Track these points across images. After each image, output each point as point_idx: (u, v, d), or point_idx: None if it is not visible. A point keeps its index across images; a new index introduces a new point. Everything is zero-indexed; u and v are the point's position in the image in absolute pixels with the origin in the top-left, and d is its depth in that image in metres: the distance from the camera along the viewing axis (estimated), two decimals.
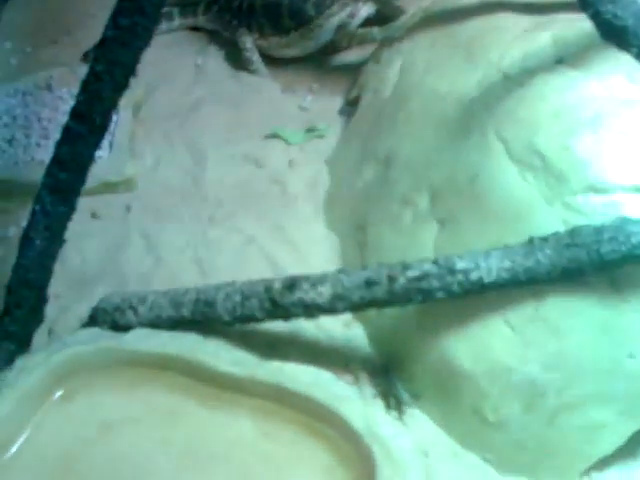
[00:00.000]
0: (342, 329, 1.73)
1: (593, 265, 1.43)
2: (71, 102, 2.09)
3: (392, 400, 1.62)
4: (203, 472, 1.50)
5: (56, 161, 1.54)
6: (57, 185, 1.54)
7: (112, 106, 1.53)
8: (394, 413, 1.61)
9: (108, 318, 1.67)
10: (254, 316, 1.58)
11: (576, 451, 1.53)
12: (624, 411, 1.49)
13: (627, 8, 1.31)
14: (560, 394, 1.49)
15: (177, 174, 2.08)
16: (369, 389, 1.64)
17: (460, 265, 1.46)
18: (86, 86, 1.51)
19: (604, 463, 1.55)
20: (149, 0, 1.43)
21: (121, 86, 1.51)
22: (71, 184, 1.56)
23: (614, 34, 1.33)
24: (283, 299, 1.55)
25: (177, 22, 2.48)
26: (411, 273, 1.49)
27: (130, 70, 1.50)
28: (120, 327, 1.65)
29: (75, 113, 1.52)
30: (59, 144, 1.54)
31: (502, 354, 1.52)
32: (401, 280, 1.49)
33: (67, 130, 1.53)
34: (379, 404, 1.60)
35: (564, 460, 1.54)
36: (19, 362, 1.57)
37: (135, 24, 1.45)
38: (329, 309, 1.54)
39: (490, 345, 1.53)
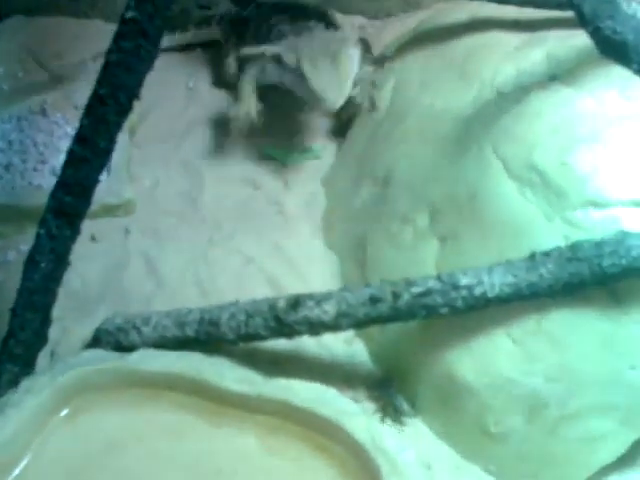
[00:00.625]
0: (344, 346, 1.75)
1: (595, 279, 1.45)
2: (66, 127, 2.15)
3: (391, 411, 1.64)
4: None
5: (61, 185, 1.54)
6: (62, 208, 1.55)
7: (116, 130, 1.53)
8: (393, 424, 1.62)
9: (112, 339, 1.68)
10: (259, 334, 1.60)
11: (578, 460, 1.55)
12: (625, 421, 1.52)
13: (626, 23, 1.33)
14: (562, 405, 1.52)
15: (175, 196, 2.09)
16: (371, 404, 1.66)
17: (464, 281, 1.49)
18: (90, 110, 1.51)
19: (604, 470, 1.57)
20: (151, 22, 1.44)
21: (125, 109, 1.52)
22: (76, 207, 1.57)
23: (614, 50, 1.35)
24: (288, 317, 1.57)
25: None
26: (415, 289, 1.51)
27: (134, 93, 1.51)
28: (124, 348, 1.66)
29: (79, 137, 1.53)
30: (64, 168, 1.54)
31: (505, 367, 1.54)
32: (405, 296, 1.51)
33: (71, 154, 1.54)
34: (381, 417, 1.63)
35: (566, 469, 1.56)
36: (24, 383, 1.57)
37: (138, 47, 1.46)
38: (334, 326, 1.56)
39: (493, 358, 1.55)
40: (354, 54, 2.03)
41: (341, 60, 1.93)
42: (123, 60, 1.47)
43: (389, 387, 1.69)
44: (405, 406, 1.65)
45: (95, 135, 1.51)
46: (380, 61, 2.14)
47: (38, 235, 1.57)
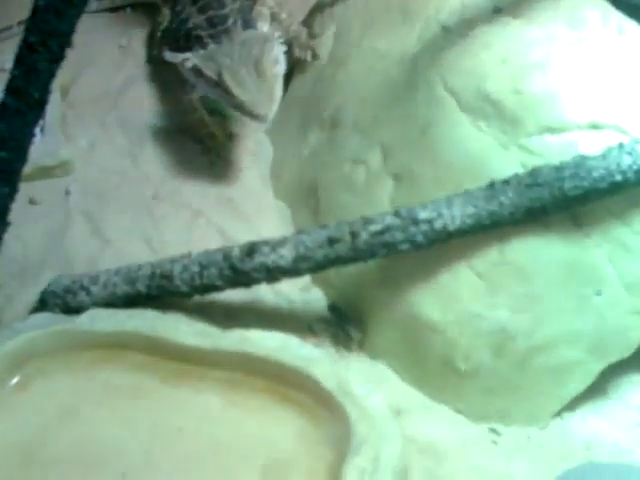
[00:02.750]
0: (301, 293, 1.71)
1: (556, 203, 1.43)
2: None
3: (341, 336, 1.61)
4: (172, 448, 1.45)
5: None
6: None
7: (49, 79, 1.45)
8: (342, 350, 1.61)
9: (59, 301, 1.62)
10: (214, 285, 1.55)
11: (548, 393, 1.54)
12: (593, 349, 1.51)
13: None
14: (530, 337, 1.50)
15: (114, 154, 2.02)
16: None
17: (423, 215, 1.46)
18: (20, 59, 1.43)
19: (575, 402, 1.56)
20: None
21: (58, 57, 1.43)
22: (12, 163, 1.48)
23: None
24: (244, 265, 1.52)
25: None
26: (373, 227, 1.47)
27: (66, 40, 1.43)
28: (72, 309, 1.60)
29: (11, 89, 1.44)
30: None
31: (470, 302, 1.52)
32: (364, 235, 1.47)
33: (3, 107, 1.45)
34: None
35: (536, 402, 1.55)
36: None
37: None
38: (292, 271, 1.52)
39: (457, 294, 1.53)
40: (279, 52, 1.92)
41: (265, 67, 1.83)
42: (52, 4, 1.38)
43: (338, 314, 1.66)
44: (354, 333, 1.62)
45: (27, 85, 1.42)
46: (319, 8, 2.09)
47: None
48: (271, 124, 2.05)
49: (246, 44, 1.90)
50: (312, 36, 2.08)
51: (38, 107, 1.46)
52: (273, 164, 1.98)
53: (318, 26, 2.06)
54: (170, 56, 2.02)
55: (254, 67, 1.83)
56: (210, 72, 1.87)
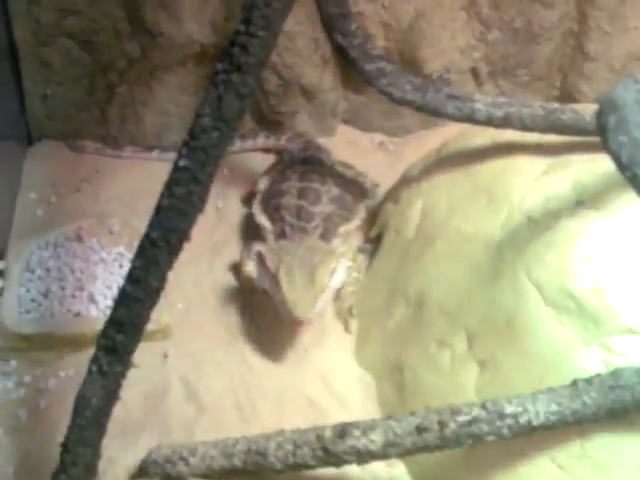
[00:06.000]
0: (386, 468, 1.77)
1: (637, 405, 1.49)
2: (101, 252, 2.20)
3: None
4: None
5: (113, 323, 1.56)
6: (114, 346, 1.56)
7: (167, 269, 1.54)
8: None
9: (159, 469, 1.71)
10: (307, 464, 1.61)
11: None
12: None
13: None
14: None
15: (209, 318, 2.12)
16: None
17: (509, 409, 1.51)
18: (142, 252, 1.53)
19: None
20: (203, 169, 1.49)
21: (176, 250, 1.54)
22: (127, 345, 1.58)
23: None
24: (335, 447, 1.58)
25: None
26: (461, 418, 1.53)
27: (185, 235, 1.54)
28: (171, 478, 1.69)
29: (132, 277, 1.54)
30: (116, 306, 1.56)
31: None
32: (452, 425, 1.53)
33: (123, 293, 1.55)
34: None
35: None
36: None
37: (190, 193, 1.49)
38: (382, 455, 1.58)
39: None
40: (340, 267, 2.07)
41: (319, 276, 1.97)
42: (175, 205, 1.49)
43: None
44: None
45: (147, 276, 1.53)
46: (405, 182, 2.21)
47: (90, 371, 1.59)
48: (358, 293, 2.15)
49: (310, 250, 2.06)
50: (396, 202, 2.19)
51: (155, 295, 1.57)
52: (359, 335, 2.07)
53: (405, 200, 2.17)
54: (258, 218, 2.26)
55: (309, 272, 1.98)
56: (270, 263, 2.02)
